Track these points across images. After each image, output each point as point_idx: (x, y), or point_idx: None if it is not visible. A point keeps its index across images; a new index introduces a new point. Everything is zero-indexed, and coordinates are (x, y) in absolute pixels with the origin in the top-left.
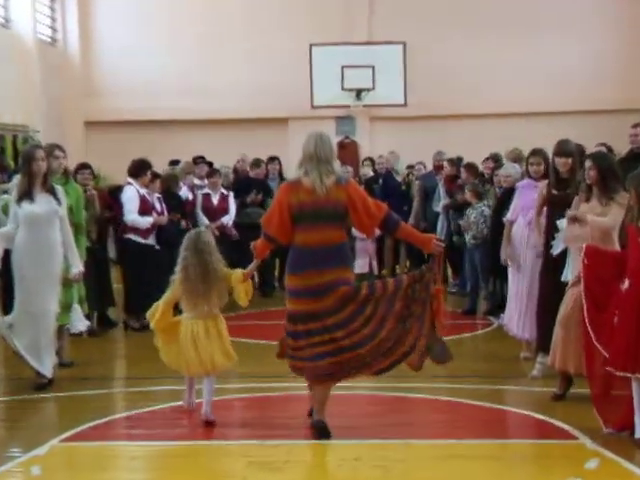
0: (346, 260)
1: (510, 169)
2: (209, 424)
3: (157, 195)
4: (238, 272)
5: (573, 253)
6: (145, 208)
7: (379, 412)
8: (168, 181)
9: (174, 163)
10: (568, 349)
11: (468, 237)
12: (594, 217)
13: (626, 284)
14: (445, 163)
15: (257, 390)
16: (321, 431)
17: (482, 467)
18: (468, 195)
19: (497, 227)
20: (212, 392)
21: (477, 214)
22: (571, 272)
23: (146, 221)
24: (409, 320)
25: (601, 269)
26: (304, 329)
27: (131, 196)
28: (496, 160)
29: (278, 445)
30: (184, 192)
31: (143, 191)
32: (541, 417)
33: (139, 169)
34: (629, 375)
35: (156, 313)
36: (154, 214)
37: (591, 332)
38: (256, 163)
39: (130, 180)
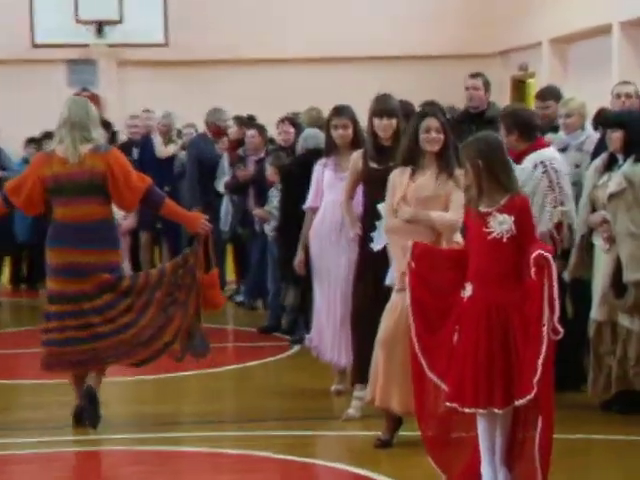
0: (110, 241)
1: (310, 139)
2: None
3: None
4: None
5: (394, 249)
6: None
7: (138, 472)
8: None
9: None
10: (391, 380)
11: (268, 228)
12: (439, 214)
13: (468, 290)
14: (230, 122)
15: None
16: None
17: None
18: (270, 171)
19: (291, 215)
20: None
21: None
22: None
23: None
24: (171, 308)
25: (434, 274)
26: (58, 310)
27: None
28: (294, 123)
29: None
30: None
31: None
32: (360, 472)
33: None
34: (480, 411)
35: None
36: None
37: (421, 358)
38: None
39: None
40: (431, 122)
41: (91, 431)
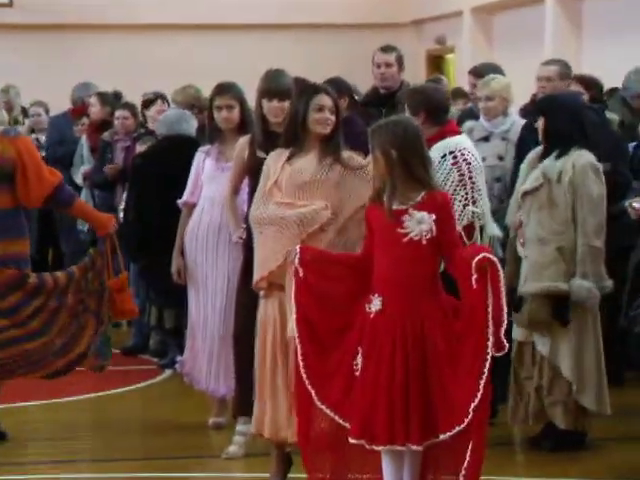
0: (12, 230)
1: (175, 124)
2: None
3: None
4: None
5: (260, 246)
6: None
7: None
8: None
9: None
10: (280, 406)
11: None
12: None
13: (376, 304)
14: (93, 100)
15: None
16: None
17: None
18: None
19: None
20: None
21: None
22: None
23: None
24: (84, 315)
25: (327, 285)
26: None
27: None
28: (162, 99)
29: None
30: None
31: None
32: None
33: None
34: (397, 448)
35: None
36: None
37: (309, 386)
38: None
39: None
40: (325, 100)
41: None
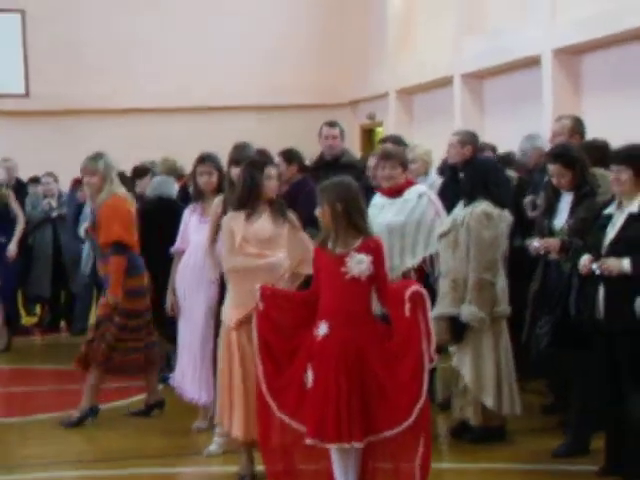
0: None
1: (159, 187)
2: None
3: None
4: None
5: (234, 287)
6: None
7: None
8: None
9: None
10: (250, 412)
11: None
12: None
13: (322, 329)
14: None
15: None
16: None
17: None
18: None
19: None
20: None
21: None
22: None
23: None
24: None
25: (281, 315)
26: None
27: None
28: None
29: None
30: None
31: None
32: None
33: None
34: (345, 446)
35: None
36: None
37: (269, 399)
38: None
39: None
40: (272, 171)
41: None
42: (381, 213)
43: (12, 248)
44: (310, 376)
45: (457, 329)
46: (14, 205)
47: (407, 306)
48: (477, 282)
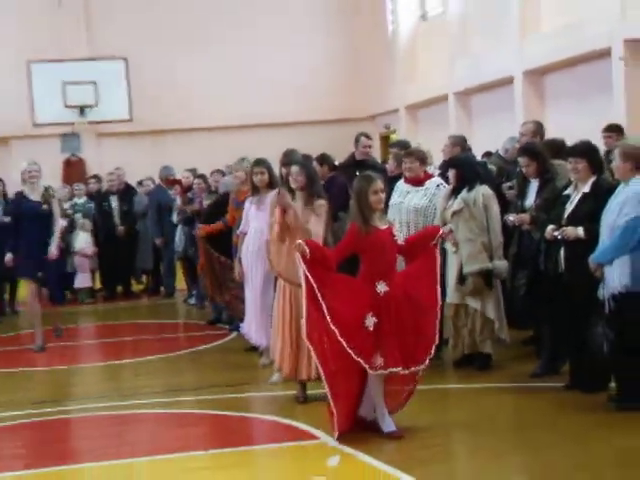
0: None
1: (224, 185)
2: None
3: None
4: None
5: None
6: None
7: (123, 431)
8: None
9: None
10: (298, 357)
11: None
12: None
13: (383, 286)
14: (185, 174)
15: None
16: None
17: (228, 476)
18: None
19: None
20: None
21: None
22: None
23: None
24: None
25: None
26: None
27: None
28: (223, 173)
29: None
30: None
31: None
32: (284, 421)
33: None
34: (411, 370)
35: None
36: None
37: (344, 340)
38: None
39: None
40: (292, 169)
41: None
42: (407, 198)
43: (53, 251)
44: (372, 320)
45: (489, 280)
46: (56, 209)
47: (432, 242)
48: (499, 243)
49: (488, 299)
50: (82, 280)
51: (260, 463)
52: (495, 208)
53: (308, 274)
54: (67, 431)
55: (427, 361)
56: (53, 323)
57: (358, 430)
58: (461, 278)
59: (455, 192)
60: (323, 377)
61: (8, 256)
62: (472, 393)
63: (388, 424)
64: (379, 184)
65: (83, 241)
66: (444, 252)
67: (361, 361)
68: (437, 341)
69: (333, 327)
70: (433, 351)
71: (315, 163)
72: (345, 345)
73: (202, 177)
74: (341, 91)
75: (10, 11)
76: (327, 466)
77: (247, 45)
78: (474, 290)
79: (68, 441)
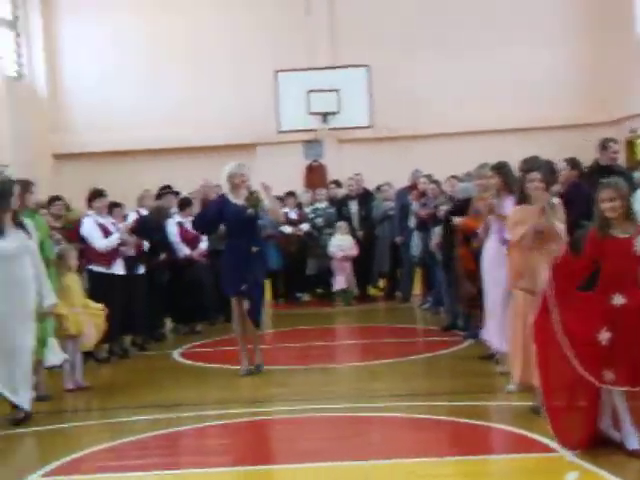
0: None
1: (460, 192)
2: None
3: (112, 220)
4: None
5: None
6: (105, 235)
7: (359, 432)
8: (158, 213)
9: (160, 195)
10: (528, 362)
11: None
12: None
13: (620, 299)
14: (423, 179)
15: (233, 416)
16: None
17: None
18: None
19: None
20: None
21: None
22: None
23: (115, 238)
24: None
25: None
26: None
27: (90, 227)
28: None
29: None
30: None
31: (100, 219)
32: (519, 431)
33: (91, 198)
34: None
35: None
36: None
37: (571, 352)
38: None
39: (88, 212)
40: (533, 175)
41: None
42: None
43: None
44: (606, 335)
45: None
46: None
47: None
48: None
49: None
50: (339, 282)
51: (497, 473)
52: None
53: (551, 285)
54: (303, 431)
55: None
56: None
57: (600, 445)
58: None
59: None
60: (540, 390)
61: None
62: None
63: (632, 441)
64: (609, 192)
65: (345, 243)
66: None
67: (586, 374)
68: None
69: (562, 337)
70: None
71: (565, 164)
72: (572, 357)
73: (436, 182)
74: (582, 94)
75: (262, 26)
76: None
77: (493, 48)
78: None
79: (301, 441)
